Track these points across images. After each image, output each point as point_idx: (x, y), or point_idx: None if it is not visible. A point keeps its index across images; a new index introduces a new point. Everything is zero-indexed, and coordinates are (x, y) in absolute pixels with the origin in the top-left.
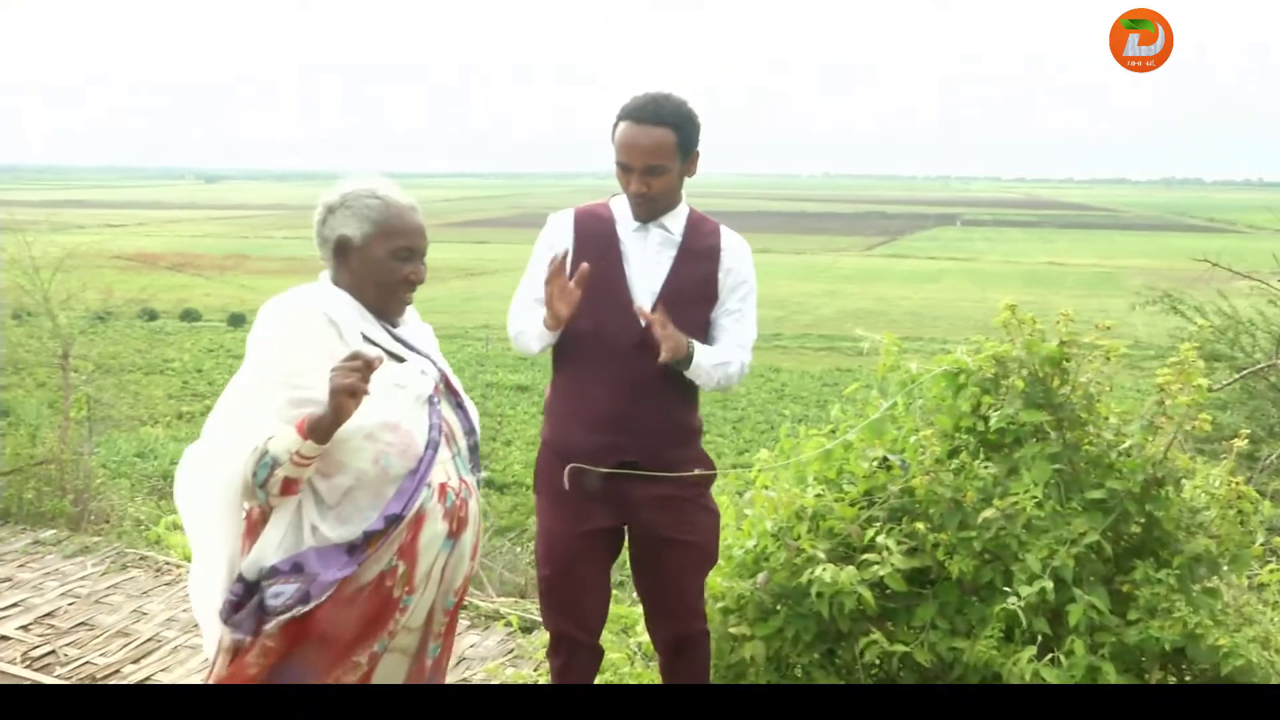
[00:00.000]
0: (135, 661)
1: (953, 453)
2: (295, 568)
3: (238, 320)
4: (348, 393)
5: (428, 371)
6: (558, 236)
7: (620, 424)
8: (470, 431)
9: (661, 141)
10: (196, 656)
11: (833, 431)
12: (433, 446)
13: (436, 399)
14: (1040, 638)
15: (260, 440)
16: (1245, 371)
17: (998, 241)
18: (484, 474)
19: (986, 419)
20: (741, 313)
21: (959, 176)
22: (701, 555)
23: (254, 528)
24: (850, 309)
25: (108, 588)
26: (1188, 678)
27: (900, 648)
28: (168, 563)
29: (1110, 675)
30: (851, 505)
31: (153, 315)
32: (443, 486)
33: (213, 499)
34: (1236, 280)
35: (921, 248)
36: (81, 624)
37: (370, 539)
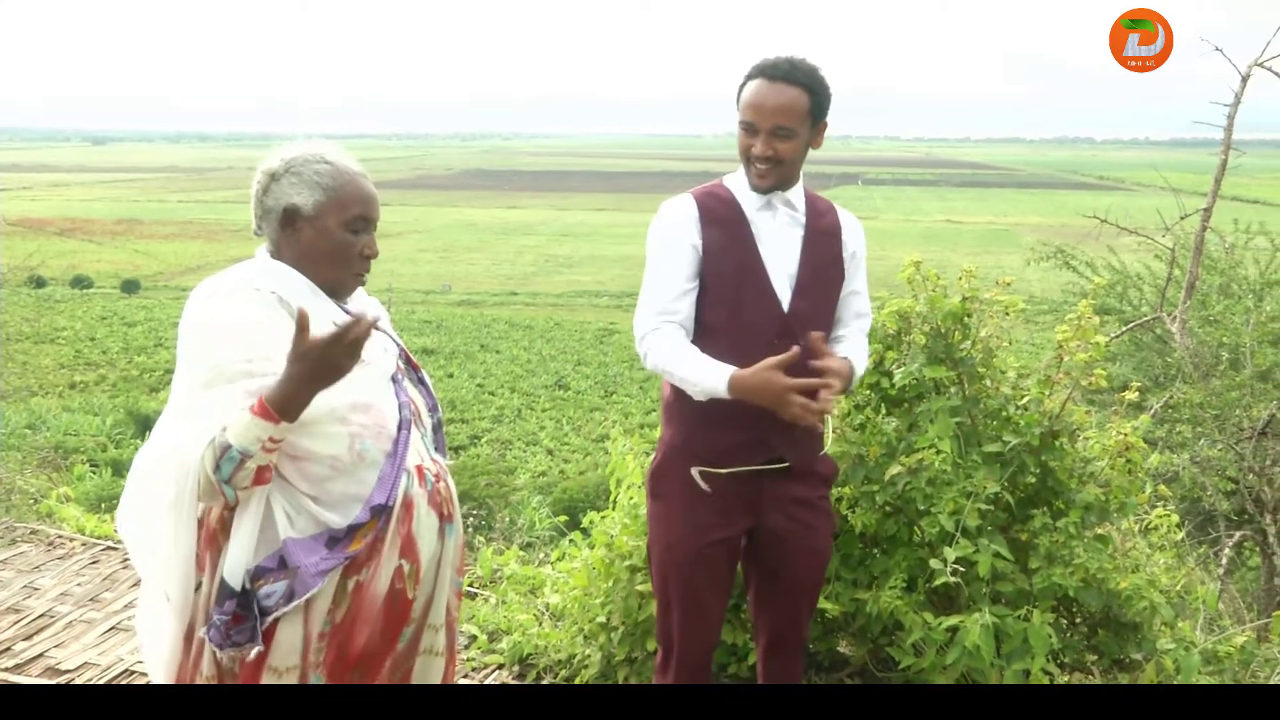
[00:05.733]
0: (27, 639)
1: (856, 408)
2: (280, 563)
3: (131, 286)
4: (348, 358)
5: (389, 349)
6: (684, 226)
7: (767, 418)
8: (434, 409)
9: (794, 102)
10: (91, 631)
11: None
12: (405, 427)
13: (400, 377)
14: (944, 588)
15: (215, 433)
16: (1132, 324)
17: (897, 200)
18: (450, 459)
19: (889, 374)
20: (863, 293)
21: (860, 136)
22: (821, 561)
23: (213, 537)
24: None
25: None
26: (1078, 619)
27: (832, 607)
28: (60, 536)
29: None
30: None
31: (40, 282)
32: (419, 469)
33: (163, 510)
34: (1124, 236)
35: None
36: None
37: (354, 533)
